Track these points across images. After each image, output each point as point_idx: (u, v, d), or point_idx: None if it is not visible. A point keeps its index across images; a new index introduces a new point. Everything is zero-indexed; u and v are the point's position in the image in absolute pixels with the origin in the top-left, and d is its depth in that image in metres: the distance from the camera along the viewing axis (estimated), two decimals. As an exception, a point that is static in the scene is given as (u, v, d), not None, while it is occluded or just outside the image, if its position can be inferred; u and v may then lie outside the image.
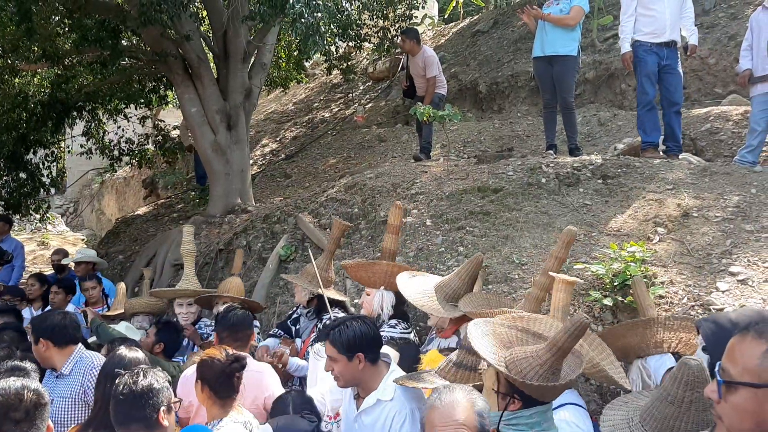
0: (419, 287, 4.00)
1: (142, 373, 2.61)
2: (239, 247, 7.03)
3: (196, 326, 5.22)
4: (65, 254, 8.48)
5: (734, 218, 4.75)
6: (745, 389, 1.53)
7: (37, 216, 12.66)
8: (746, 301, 3.96)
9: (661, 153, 6.35)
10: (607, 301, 4.13)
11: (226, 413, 2.98)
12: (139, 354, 3.22)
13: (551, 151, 6.85)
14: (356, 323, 3.02)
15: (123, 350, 3.21)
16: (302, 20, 6.95)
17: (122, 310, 5.73)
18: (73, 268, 8.01)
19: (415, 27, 11.35)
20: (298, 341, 4.72)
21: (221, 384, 2.99)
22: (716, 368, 1.64)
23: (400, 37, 8.74)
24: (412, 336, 4.21)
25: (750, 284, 4.10)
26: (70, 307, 6.43)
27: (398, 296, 4.28)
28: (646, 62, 6.21)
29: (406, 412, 2.86)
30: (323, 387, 3.45)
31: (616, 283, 4.23)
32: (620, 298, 4.17)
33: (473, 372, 2.71)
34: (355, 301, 5.21)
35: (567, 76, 6.75)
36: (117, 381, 2.62)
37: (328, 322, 4.20)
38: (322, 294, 4.50)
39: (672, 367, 2.57)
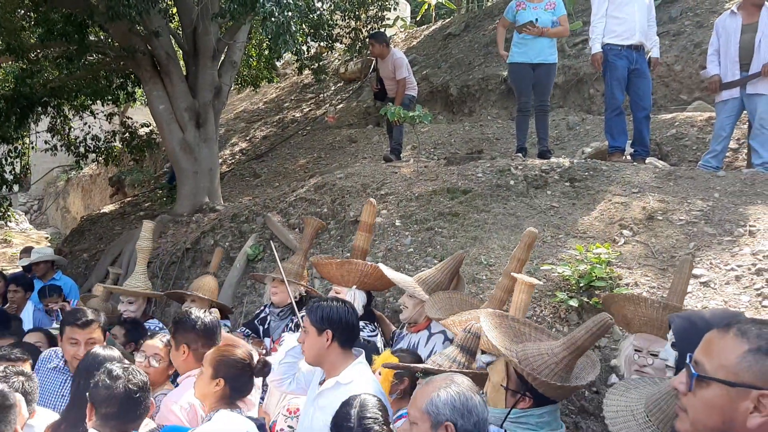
0: (401, 276, 4.02)
1: (134, 370, 2.67)
2: (219, 246, 6.88)
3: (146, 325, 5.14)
4: (29, 253, 8.23)
5: (698, 221, 4.82)
6: (718, 385, 1.51)
7: (-1, 213, 12.37)
8: (708, 303, 4.03)
9: (627, 157, 6.43)
10: (573, 302, 4.17)
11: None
12: (114, 352, 3.17)
13: (521, 154, 6.91)
14: (336, 303, 3.04)
15: (98, 349, 3.17)
16: (272, 19, 6.91)
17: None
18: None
19: (385, 29, 11.38)
20: (267, 341, 4.68)
21: (242, 385, 2.93)
22: (687, 360, 1.61)
23: (369, 42, 8.73)
24: (378, 338, 4.19)
25: (712, 287, 4.17)
26: (30, 306, 6.28)
27: (368, 297, 4.28)
28: (616, 67, 6.28)
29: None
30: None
31: (582, 285, 4.28)
32: (586, 300, 4.21)
33: (473, 357, 2.69)
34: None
35: (550, 81, 6.96)
36: (119, 379, 2.58)
37: (299, 321, 4.17)
38: (309, 291, 4.51)
39: None
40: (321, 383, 3.04)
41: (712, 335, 1.60)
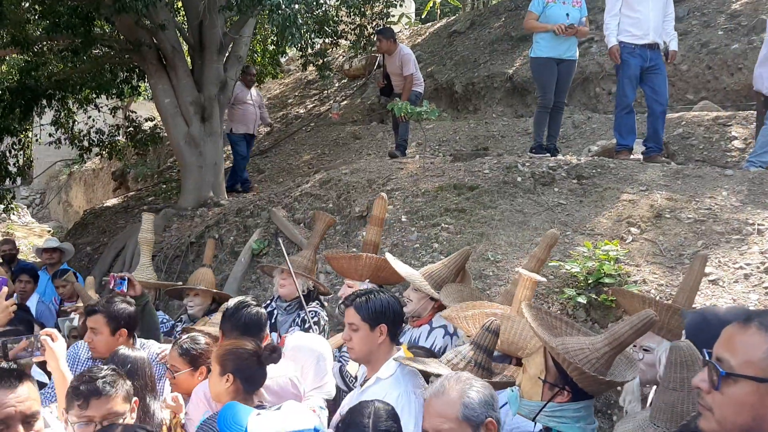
0: (408, 269, 4.01)
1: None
2: (211, 238, 6.91)
3: None
4: (14, 244, 8.15)
5: (706, 220, 4.81)
6: (747, 382, 1.47)
7: (2, 206, 12.36)
8: (717, 301, 4.02)
9: (636, 155, 6.39)
10: (581, 299, 4.16)
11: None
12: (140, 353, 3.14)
13: (535, 151, 6.81)
14: (384, 295, 2.88)
15: (124, 350, 3.10)
16: (279, 11, 6.90)
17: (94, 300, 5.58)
18: (39, 257, 7.80)
19: (391, 26, 11.34)
20: (273, 335, 4.65)
21: (253, 376, 2.81)
22: (705, 357, 1.58)
23: (376, 37, 8.71)
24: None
25: (721, 284, 4.16)
26: (34, 297, 6.26)
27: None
28: (629, 65, 6.21)
29: (400, 391, 2.68)
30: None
31: (590, 282, 4.27)
32: (594, 296, 4.20)
33: (484, 371, 2.63)
34: (331, 295, 5.17)
35: (570, 78, 6.95)
36: None
37: (306, 316, 4.15)
38: (316, 286, 4.49)
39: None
40: (362, 384, 2.89)
41: (732, 330, 1.55)
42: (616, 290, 3.51)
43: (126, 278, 4.08)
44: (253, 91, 10.34)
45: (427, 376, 2.80)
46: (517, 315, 3.01)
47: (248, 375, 2.79)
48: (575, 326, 2.57)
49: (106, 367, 2.60)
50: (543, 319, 2.50)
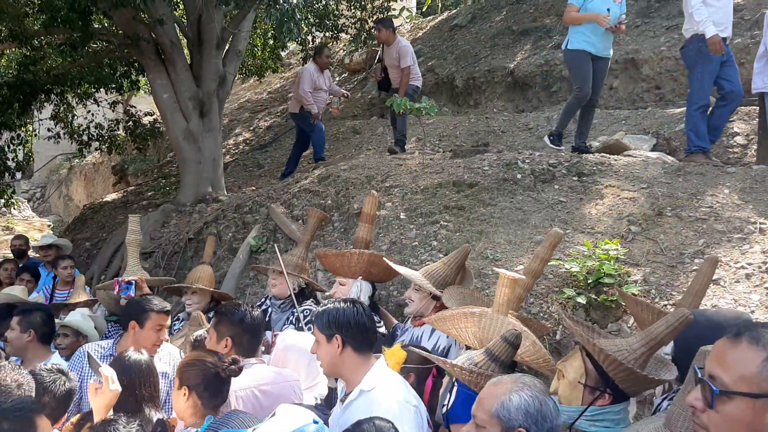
0: (408, 269, 3.98)
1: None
2: (211, 235, 6.87)
3: None
4: (26, 240, 8.23)
5: (707, 218, 4.76)
6: (742, 399, 1.43)
7: (2, 200, 12.35)
8: (718, 301, 3.97)
9: (712, 159, 6.09)
10: (581, 299, 4.11)
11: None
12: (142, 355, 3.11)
13: (550, 140, 6.73)
14: (343, 304, 2.74)
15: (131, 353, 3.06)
16: (277, 6, 6.85)
17: (82, 299, 5.54)
18: (36, 253, 7.80)
19: (391, 18, 11.26)
20: (268, 333, 4.63)
21: (212, 390, 2.69)
22: (697, 374, 1.53)
23: (375, 26, 8.62)
24: (383, 330, 4.16)
25: (722, 284, 4.11)
26: (35, 294, 6.26)
27: (372, 288, 4.24)
28: (711, 59, 5.89)
29: (390, 403, 2.51)
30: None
31: (590, 281, 4.22)
32: (594, 296, 4.15)
33: (507, 370, 2.52)
34: (327, 293, 5.14)
35: (605, 76, 6.77)
36: None
37: (300, 315, 4.12)
38: (309, 284, 4.47)
39: None
40: (342, 400, 2.73)
41: (722, 346, 1.51)
42: (620, 293, 3.49)
43: (133, 282, 4.00)
44: (326, 73, 9.71)
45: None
46: (497, 314, 2.97)
47: (205, 388, 2.68)
48: (602, 333, 2.55)
49: (129, 421, 2.50)
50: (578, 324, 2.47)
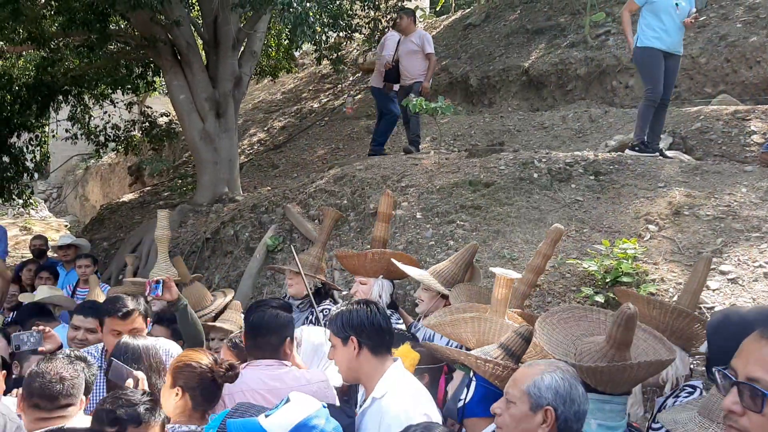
0: (416, 270, 4.00)
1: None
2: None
3: None
4: (45, 240, 8.33)
5: (725, 217, 4.75)
6: None
7: (20, 201, 12.49)
8: (736, 300, 3.97)
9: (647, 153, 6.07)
10: (599, 298, 4.13)
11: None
12: (148, 341, 3.07)
13: (645, 152, 6.28)
14: (358, 306, 2.69)
15: (126, 338, 3.04)
16: (291, 9, 6.89)
17: (101, 300, 5.58)
18: (55, 253, 7.88)
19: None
20: (297, 331, 4.65)
21: (205, 393, 2.64)
22: (729, 378, 1.47)
23: (398, 15, 8.62)
24: (402, 326, 4.19)
25: (740, 283, 4.10)
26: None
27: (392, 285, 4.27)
28: None
29: (399, 411, 2.45)
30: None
31: (607, 280, 4.23)
32: (611, 295, 4.16)
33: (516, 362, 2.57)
34: (344, 292, 5.17)
35: (677, 73, 6.60)
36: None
37: (320, 315, 4.14)
38: (325, 283, 4.51)
39: None
40: (360, 405, 2.67)
41: (759, 344, 1.45)
42: (618, 290, 3.50)
43: (161, 281, 3.97)
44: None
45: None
46: (495, 315, 2.99)
47: (199, 391, 2.64)
48: (593, 310, 2.57)
49: (138, 391, 2.49)
50: (555, 327, 2.49)
